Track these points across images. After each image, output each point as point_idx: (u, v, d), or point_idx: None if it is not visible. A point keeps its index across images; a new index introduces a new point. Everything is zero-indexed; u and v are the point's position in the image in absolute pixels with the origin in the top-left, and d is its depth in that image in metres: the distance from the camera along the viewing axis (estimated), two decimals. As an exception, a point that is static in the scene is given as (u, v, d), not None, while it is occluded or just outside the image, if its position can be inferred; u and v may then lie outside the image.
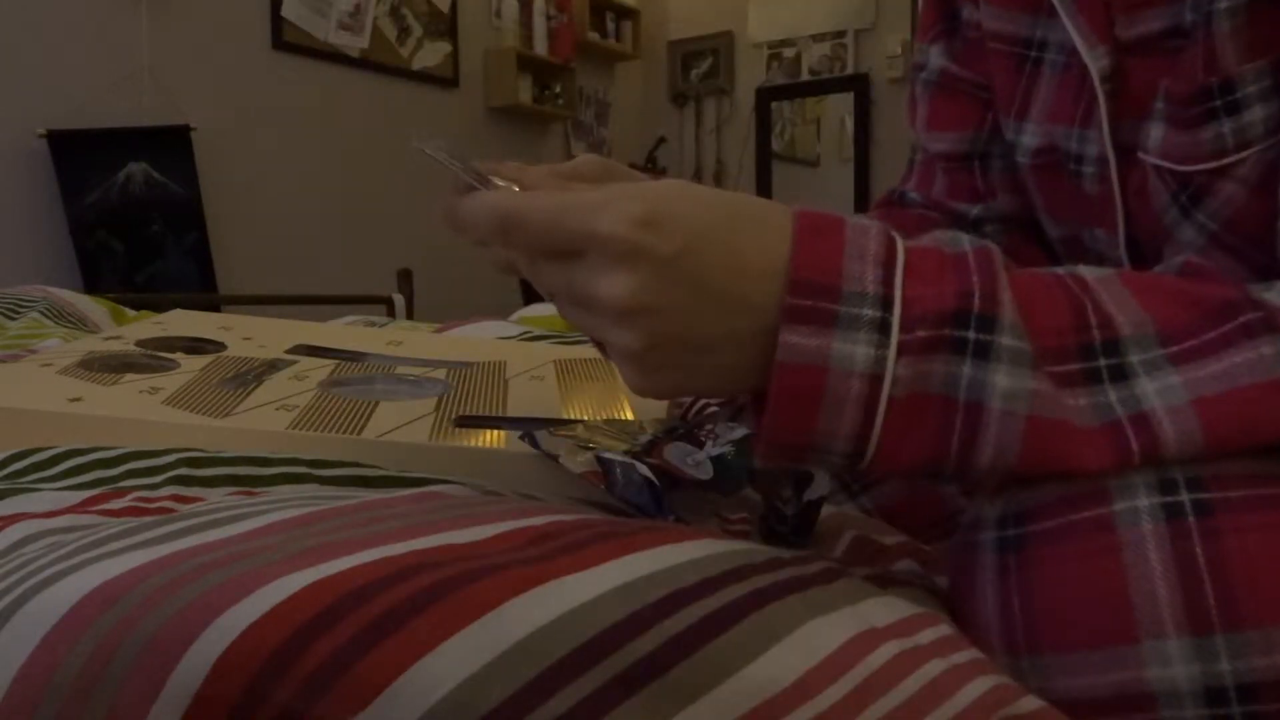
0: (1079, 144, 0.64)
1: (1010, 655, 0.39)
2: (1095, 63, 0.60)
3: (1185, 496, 0.38)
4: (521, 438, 0.57)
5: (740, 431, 0.53)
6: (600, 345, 0.48)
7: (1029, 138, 0.68)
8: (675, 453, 0.53)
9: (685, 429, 0.55)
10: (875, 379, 0.39)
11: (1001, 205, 0.76)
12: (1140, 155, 0.59)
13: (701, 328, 0.40)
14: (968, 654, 0.38)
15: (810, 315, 0.39)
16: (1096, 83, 0.60)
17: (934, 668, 0.36)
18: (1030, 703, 0.37)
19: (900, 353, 0.39)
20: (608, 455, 0.52)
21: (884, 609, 0.39)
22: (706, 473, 0.51)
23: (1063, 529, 0.39)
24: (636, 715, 0.31)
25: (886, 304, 0.39)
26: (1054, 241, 0.72)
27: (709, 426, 0.55)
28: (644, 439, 0.55)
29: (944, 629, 0.40)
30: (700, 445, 0.53)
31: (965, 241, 0.42)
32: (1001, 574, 0.40)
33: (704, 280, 0.39)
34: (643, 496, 0.49)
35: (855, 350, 0.39)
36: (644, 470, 0.50)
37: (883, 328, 0.39)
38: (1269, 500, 0.38)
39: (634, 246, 0.38)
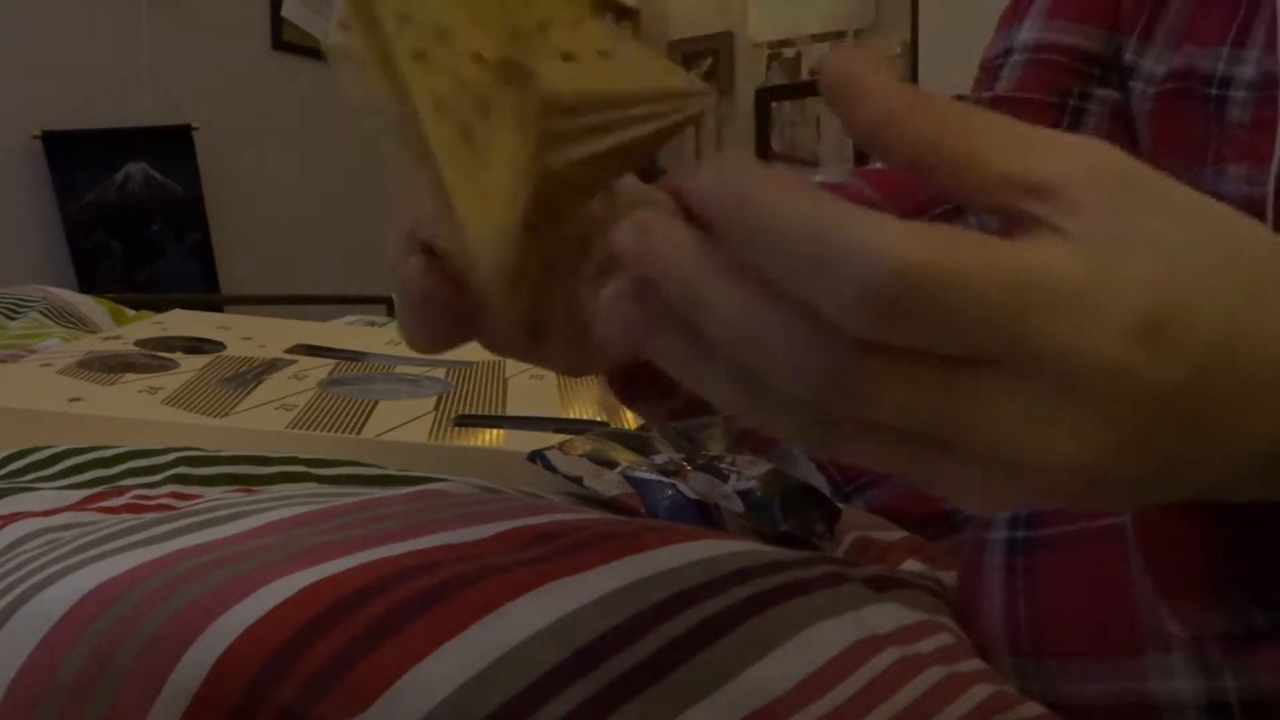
0: (1229, 65, 0.54)
1: (1014, 656, 0.39)
2: None
3: None
4: (531, 459, 0.56)
5: (762, 466, 0.53)
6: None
7: (1153, 62, 0.59)
8: (700, 483, 0.52)
9: (705, 460, 0.55)
10: None
11: None
12: None
13: (1176, 464, 0.24)
14: (970, 663, 0.38)
15: None
16: None
17: (935, 674, 0.36)
18: (1030, 709, 0.37)
19: None
20: (640, 475, 0.51)
21: (886, 615, 0.39)
22: (738, 506, 0.50)
23: (1072, 536, 0.39)
24: (636, 719, 0.31)
25: None
26: None
27: (729, 459, 0.55)
28: (660, 459, 0.54)
29: (946, 637, 0.39)
30: (723, 477, 0.53)
31: None
32: (1009, 575, 0.40)
33: (1207, 416, 0.23)
34: (688, 517, 0.49)
35: None
36: (688, 491, 0.49)
37: None
38: None
39: (1125, 370, 0.22)
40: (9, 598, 0.35)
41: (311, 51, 3.71)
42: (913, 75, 3.41)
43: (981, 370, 0.22)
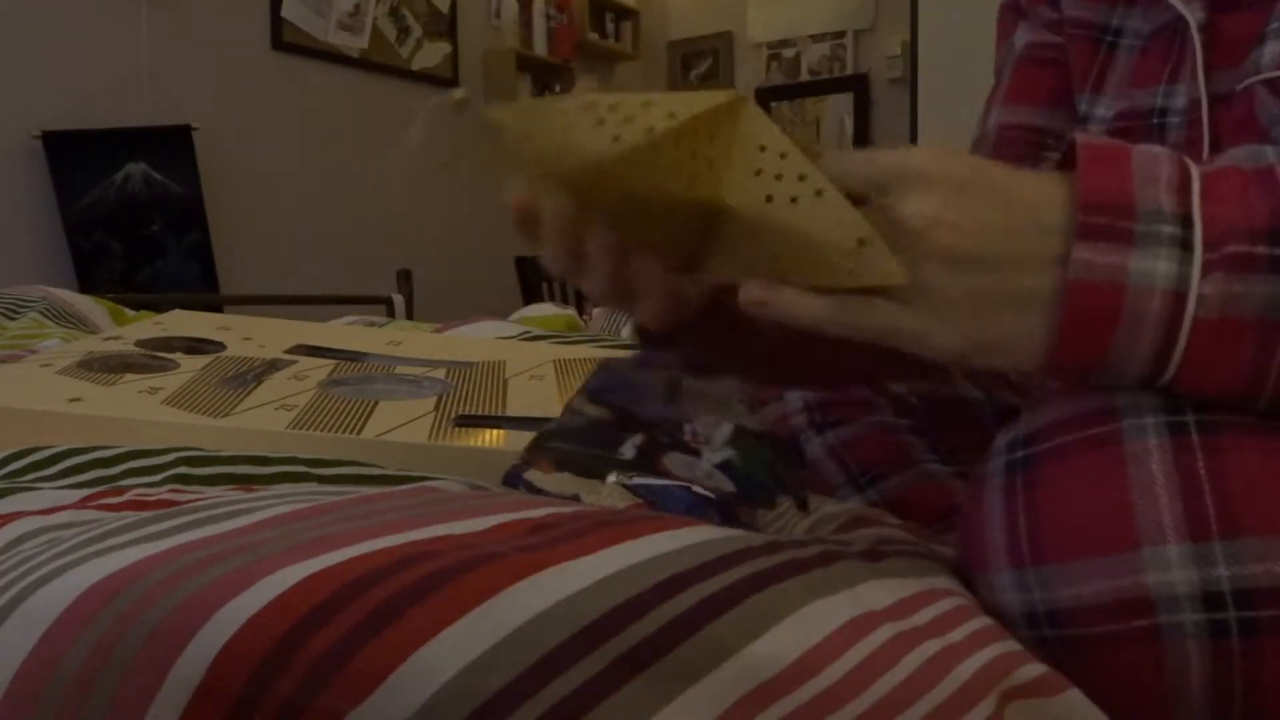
0: (1165, 99, 0.69)
1: (1015, 569, 0.40)
2: (1193, 15, 0.66)
3: (1191, 417, 0.39)
4: (511, 484, 0.54)
5: (726, 428, 0.52)
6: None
7: (1104, 109, 0.74)
8: (678, 465, 0.51)
9: (670, 438, 0.54)
10: (1179, 297, 0.38)
11: None
12: (1245, 83, 0.63)
13: (995, 243, 0.40)
14: (966, 628, 0.39)
15: (1105, 232, 0.38)
16: (1195, 31, 0.66)
17: (931, 647, 0.37)
18: (1032, 670, 0.38)
19: (1206, 270, 0.38)
20: (639, 483, 0.51)
21: (882, 591, 0.40)
22: (726, 483, 0.50)
23: (1069, 445, 0.41)
24: (638, 698, 0.31)
25: (1185, 221, 0.38)
26: None
27: (689, 428, 0.54)
28: (626, 449, 0.54)
29: (943, 605, 0.40)
30: (694, 452, 0.52)
31: (1271, 155, 0.41)
32: (1008, 493, 0.41)
33: (994, 193, 0.41)
34: (712, 514, 0.48)
35: (1156, 266, 0.38)
36: (701, 490, 0.49)
37: (1184, 244, 0.38)
38: (1272, 430, 0.39)
39: (934, 172, 0.41)
40: (10, 594, 0.35)
41: (311, 51, 3.71)
42: (912, 75, 3.40)
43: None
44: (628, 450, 0.53)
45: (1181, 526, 0.37)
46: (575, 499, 0.51)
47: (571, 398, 0.57)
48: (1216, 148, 0.65)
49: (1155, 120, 0.70)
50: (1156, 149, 0.41)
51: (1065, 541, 0.39)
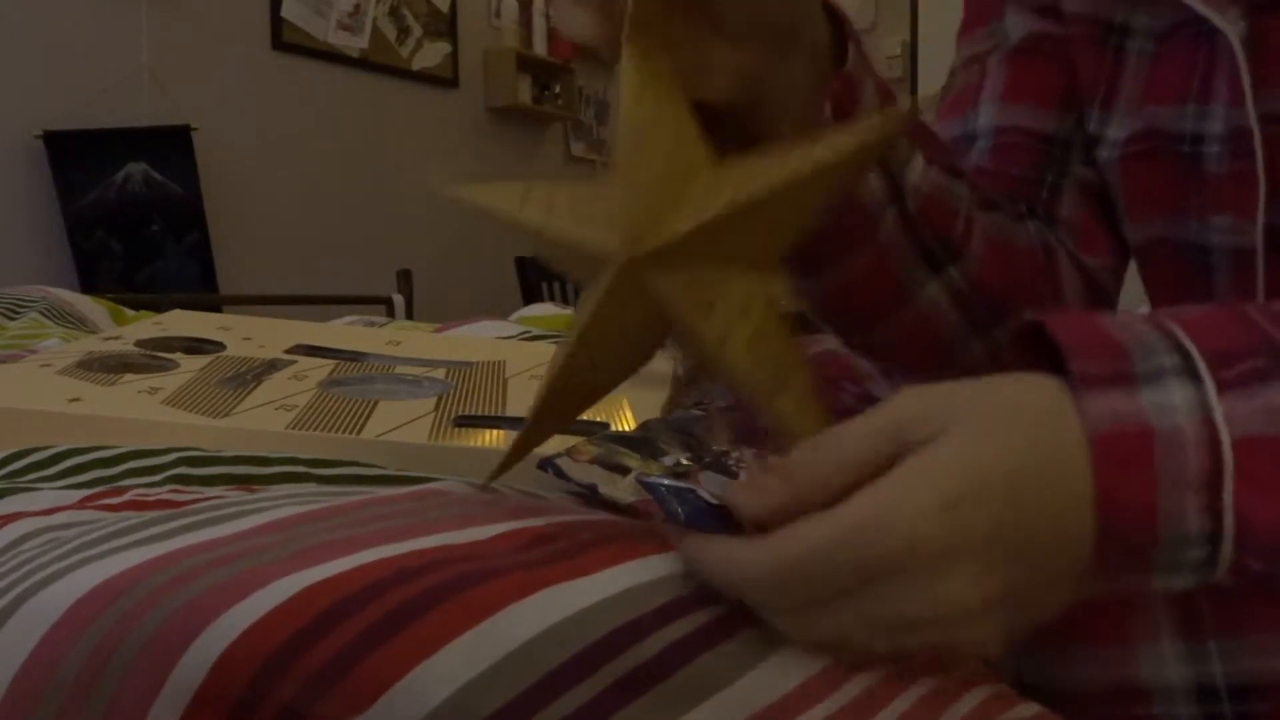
0: (1196, 122, 0.57)
1: (1008, 649, 0.40)
2: (1233, 26, 0.54)
3: None
4: (542, 468, 0.55)
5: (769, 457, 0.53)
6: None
7: (1116, 128, 0.62)
8: (711, 483, 0.52)
9: (713, 458, 0.54)
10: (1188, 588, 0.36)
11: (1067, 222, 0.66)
12: None
13: (1044, 578, 0.34)
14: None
15: (1121, 564, 0.34)
16: (1237, 47, 0.54)
17: (927, 684, 0.36)
18: (1027, 709, 0.37)
19: (1229, 572, 0.35)
20: (655, 480, 0.51)
21: None
22: None
23: None
24: None
25: (1214, 540, 0.33)
26: (1134, 249, 0.65)
27: (734, 454, 0.54)
28: (669, 461, 0.54)
29: None
30: (733, 474, 0.52)
31: None
32: None
33: (1030, 535, 0.33)
34: (710, 523, 0.48)
35: (1173, 581, 0.35)
36: (706, 495, 0.49)
37: (1208, 563, 0.34)
38: None
39: (948, 543, 0.32)
40: (9, 596, 0.35)
41: (311, 51, 3.71)
42: (912, 75, 3.41)
43: (873, 584, 0.32)
44: (668, 461, 0.54)
45: (1176, 627, 0.38)
46: (593, 488, 0.51)
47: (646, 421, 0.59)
48: (1273, 178, 0.55)
49: (1186, 147, 0.58)
50: (1178, 414, 0.33)
51: (1059, 632, 0.39)
